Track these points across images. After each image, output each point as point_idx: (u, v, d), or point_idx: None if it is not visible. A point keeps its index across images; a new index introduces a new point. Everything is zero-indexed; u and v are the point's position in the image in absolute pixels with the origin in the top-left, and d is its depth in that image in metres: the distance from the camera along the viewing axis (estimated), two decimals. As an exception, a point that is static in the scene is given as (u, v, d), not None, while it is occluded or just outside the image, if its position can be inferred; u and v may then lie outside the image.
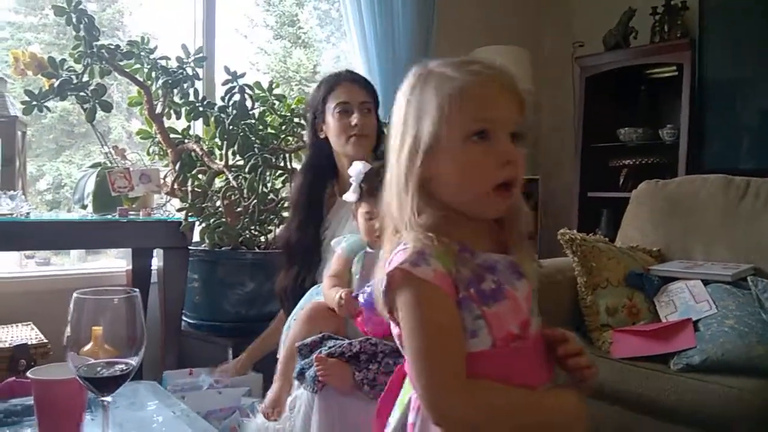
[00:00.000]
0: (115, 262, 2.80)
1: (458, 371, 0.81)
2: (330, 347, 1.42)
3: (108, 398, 0.96)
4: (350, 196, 1.53)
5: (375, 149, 1.85)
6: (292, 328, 1.64)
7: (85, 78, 2.06)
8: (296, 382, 1.49)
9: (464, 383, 0.81)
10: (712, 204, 2.31)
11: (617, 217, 2.69)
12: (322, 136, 1.89)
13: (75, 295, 0.94)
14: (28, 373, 1.09)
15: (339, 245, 1.61)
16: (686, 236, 2.32)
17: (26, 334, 2.09)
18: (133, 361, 0.95)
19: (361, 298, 1.37)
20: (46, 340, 2.03)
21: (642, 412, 1.81)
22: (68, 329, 0.93)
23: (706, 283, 1.98)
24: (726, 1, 2.96)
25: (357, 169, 1.52)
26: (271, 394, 1.62)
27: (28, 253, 2.60)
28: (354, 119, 1.80)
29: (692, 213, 2.34)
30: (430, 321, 0.82)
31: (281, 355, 1.66)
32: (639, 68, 3.30)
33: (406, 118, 0.88)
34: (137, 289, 0.98)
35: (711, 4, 2.97)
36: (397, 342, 0.90)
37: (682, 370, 1.76)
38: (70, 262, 2.86)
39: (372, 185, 1.48)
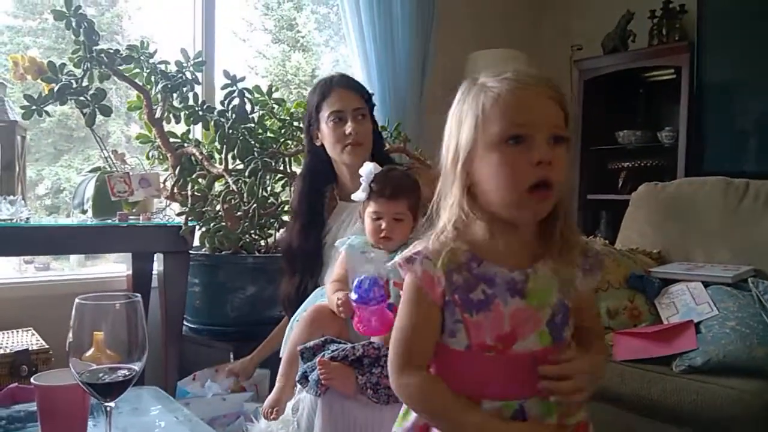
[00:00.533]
0: (115, 266, 2.79)
1: (411, 358, 0.94)
2: (333, 351, 1.42)
3: (111, 404, 0.96)
4: (359, 195, 1.54)
5: (373, 154, 1.84)
6: (294, 330, 1.63)
7: (85, 82, 2.05)
8: (299, 386, 1.49)
9: (413, 367, 0.94)
10: (711, 206, 2.31)
11: (617, 219, 2.69)
12: (318, 144, 1.88)
13: (77, 300, 0.93)
14: (31, 379, 1.08)
15: (343, 245, 1.61)
16: (686, 238, 2.33)
17: (27, 339, 2.09)
18: (136, 367, 0.95)
19: (353, 296, 1.38)
20: (47, 346, 2.03)
21: (644, 414, 1.81)
22: (70, 335, 0.93)
23: (706, 285, 1.99)
24: (724, 5, 2.97)
25: (367, 169, 1.53)
26: (272, 394, 1.62)
27: (27, 258, 2.59)
28: (348, 128, 1.78)
29: (692, 215, 2.35)
30: (405, 312, 0.96)
31: (283, 356, 1.66)
32: (637, 71, 3.31)
33: (450, 128, 0.95)
34: (139, 294, 0.98)
35: (709, 8, 2.99)
36: None
37: (684, 372, 1.76)
38: (70, 267, 2.85)
39: (381, 186, 1.50)
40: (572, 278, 0.95)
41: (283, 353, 1.66)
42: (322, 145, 1.87)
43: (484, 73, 0.95)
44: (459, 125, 0.93)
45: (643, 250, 2.33)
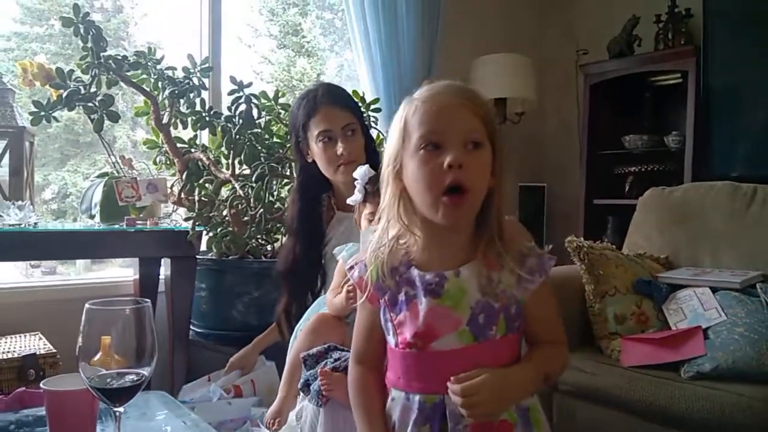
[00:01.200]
0: (121, 271, 2.80)
1: (356, 354, 1.10)
2: (335, 359, 1.41)
3: (121, 409, 0.96)
4: (355, 197, 1.54)
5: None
6: (296, 339, 1.63)
7: (93, 88, 2.06)
8: (301, 393, 1.49)
9: (356, 362, 1.10)
10: (719, 211, 2.30)
11: (623, 224, 2.68)
12: (309, 160, 1.86)
13: (87, 306, 0.94)
14: (41, 384, 1.09)
15: (340, 254, 1.60)
16: (693, 243, 2.32)
17: (35, 343, 2.09)
18: (145, 372, 0.95)
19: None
20: (54, 350, 2.03)
21: (652, 421, 1.80)
22: (80, 340, 0.93)
23: (714, 290, 1.98)
24: (730, 8, 2.96)
25: (361, 172, 1.52)
26: (273, 405, 1.62)
27: (33, 262, 2.60)
28: (339, 148, 1.75)
29: (699, 220, 2.34)
30: (357, 314, 1.11)
31: (285, 366, 1.66)
32: (643, 75, 3.30)
33: (388, 140, 1.04)
34: (149, 300, 0.99)
35: (715, 11, 2.98)
36: None
37: (693, 378, 1.75)
38: (76, 271, 2.86)
39: (376, 187, 1.49)
40: (500, 281, 0.98)
41: (287, 363, 1.65)
42: (314, 161, 1.85)
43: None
44: (391, 136, 1.02)
45: (650, 255, 2.32)
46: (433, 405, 0.98)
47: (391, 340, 1.03)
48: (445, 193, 0.93)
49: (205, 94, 2.33)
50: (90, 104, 2.05)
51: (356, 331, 1.10)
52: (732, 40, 2.93)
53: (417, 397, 0.99)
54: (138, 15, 3.00)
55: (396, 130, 1.00)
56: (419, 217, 0.99)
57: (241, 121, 2.24)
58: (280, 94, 2.43)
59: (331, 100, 1.80)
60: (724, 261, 2.21)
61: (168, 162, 2.39)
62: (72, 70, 2.06)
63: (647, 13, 3.22)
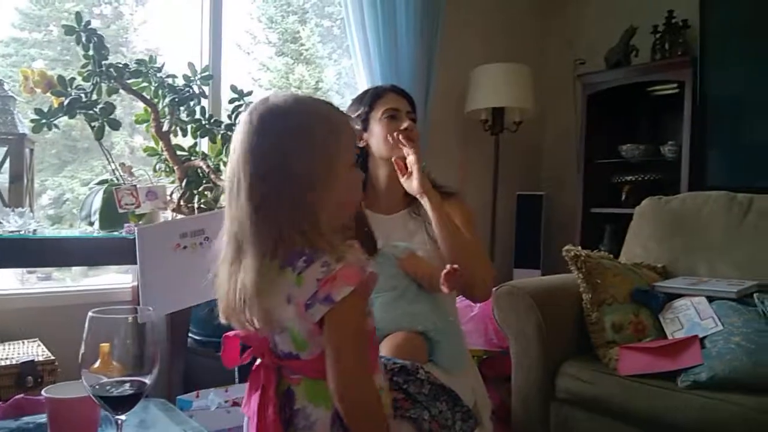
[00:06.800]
0: (117, 277, 2.80)
1: (366, 367, 0.99)
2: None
3: (122, 416, 0.97)
4: None
5: None
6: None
7: (94, 96, 2.07)
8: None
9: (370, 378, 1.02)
10: (715, 220, 2.32)
11: (620, 232, 2.70)
12: (362, 144, 1.85)
13: (90, 314, 0.94)
14: (42, 392, 1.09)
15: (401, 249, 1.61)
16: (690, 253, 2.33)
17: (33, 350, 2.09)
18: (147, 380, 0.96)
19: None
20: (53, 357, 2.03)
21: (648, 430, 1.81)
22: (82, 348, 0.94)
23: (711, 299, 1.99)
24: (727, 19, 2.98)
25: None
26: None
27: (29, 268, 2.60)
28: (404, 124, 1.76)
29: (696, 229, 2.35)
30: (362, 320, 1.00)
31: None
32: (640, 86, 3.33)
33: (301, 152, 0.96)
34: (151, 308, 0.99)
35: (712, 22, 3.00)
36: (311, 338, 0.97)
37: (690, 388, 1.76)
38: (71, 277, 2.86)
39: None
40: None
41: None
42: (361, 149, 1.83)
43: (286, 99, 1.02)
44: (301, 150, 1.01)
45: (647, 264, 2.33)
46: None
47: (372, 315, 1.05)
48: None
49: (205, 102, 2.34)
50: (91, 112, 2.05)
51: (361, 339, 0.96)
52: (729, 51, 2.96)
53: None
54: (137, 22, 3.01)
55: (320, 145, 1.01)
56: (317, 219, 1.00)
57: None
58: (279, 102, 2.44)
59: (397, 90, 1.85)
60: (720, 270, 2.22)
61: (168, 169, 2.39)
62: (73, 78, 2.07)
63: (644, 24, 3.25)
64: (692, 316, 1.95)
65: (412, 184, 1.69)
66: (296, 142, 0.96)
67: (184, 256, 1.70)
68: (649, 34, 3.23)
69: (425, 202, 1.66)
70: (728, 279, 2.14)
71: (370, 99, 1.83)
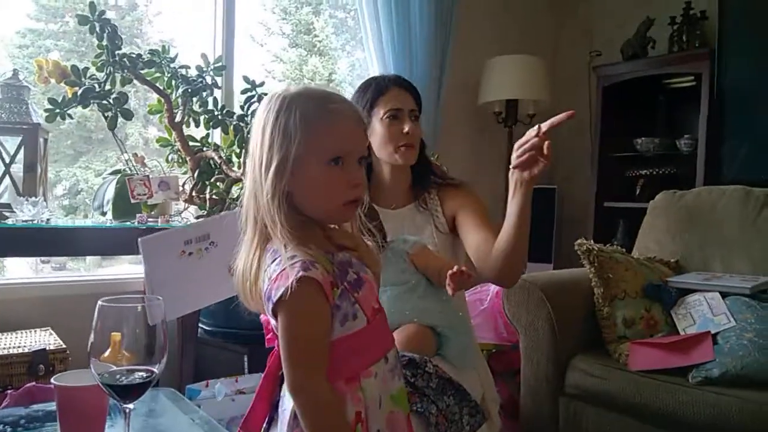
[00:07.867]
0: (130, 267, 2.82)
1: (320, 367, 0.95)
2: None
3: (131, 405, 0.97)
4: None
5: (419, 157, 1.78)
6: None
7: (107, 86, 2.08)
8: None
9: (323, 378, 0.96)
10: (730, 215, 2.29)
11: (634, 227, 2.68)
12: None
13: (99, 303, 0.95)
14: (51, 380, 1.10)
15: (410, 241, 1.59)
16: (704, 248, 2.31)
17: (45, 339, 2.11)
18: (156, 369, 0.96)
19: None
20: (64, 346, 2.05)
21: (659, 426, 1.80)
22: (92, 336, 0.94)
23: (724, 295, 1.97)
24: (746, 11, 2.94)
25: None
26: None
27: (43, 257, 2.63)
28: (406, 127, 1.72)
29: (710, 224, 2.33)
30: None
31: None
32: (657, 78, 3.29)
33: (272, 139, 0.98)
34: (161, 297, 0.99)
35: (730, 14, 2.96)
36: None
37: (701, 384, 1.75)
38: (86, 267, 2.88)
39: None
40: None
41: None
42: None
43: (298, 88, 1.04)
44: (285, 140, 1.01)
45: (660, 259, 2.31)
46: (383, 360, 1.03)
47: (358, 322, 0.99)
48: (344, 203, 1.01)
49: (217, 93, 2.34)
50: (104, 102, 2.06)
51: (314, 340, 0.95)
52: (747, 43, 2.91)
53: (392, 352, 1.05)
54: (152, 13, 3.02)
55: (299, 136, 0.99)
56: (297, 212, 1.01)
57: (253, 120, 2.24)
58: (291, 93, 2.44)
59: (401, 84, 1.80)
60: (734, 266, 2.20)
61: (180, 160, 2.40)
62: (87, 68, 2.08)
63: (662, 15, 3.20)
64: (705, 311, 1.94)
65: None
66: (269, 130, 0.99)
67: (190, 262, 1.71)
68: (667, 25, 3.19)
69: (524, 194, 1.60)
70: (742, 275, 2.12)
71: (372, 95, 1.78)
